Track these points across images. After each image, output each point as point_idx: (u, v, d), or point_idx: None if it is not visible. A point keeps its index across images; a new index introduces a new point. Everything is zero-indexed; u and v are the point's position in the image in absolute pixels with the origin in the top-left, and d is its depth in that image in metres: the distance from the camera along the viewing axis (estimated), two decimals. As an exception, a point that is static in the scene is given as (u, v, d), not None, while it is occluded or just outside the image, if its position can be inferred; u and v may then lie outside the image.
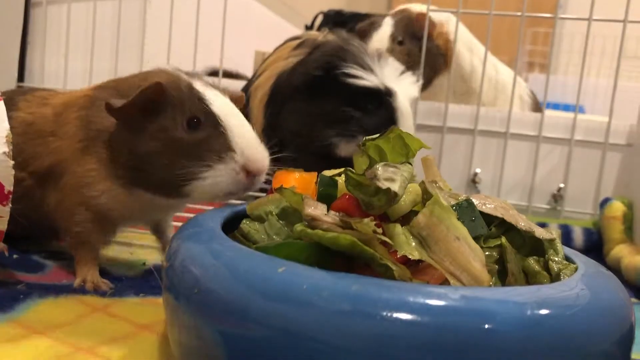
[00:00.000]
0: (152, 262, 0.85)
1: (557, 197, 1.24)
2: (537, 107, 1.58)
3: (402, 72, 0.96)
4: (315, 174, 0.61)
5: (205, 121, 0.67)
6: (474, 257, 0.47)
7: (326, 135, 0.91)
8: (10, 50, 1.34)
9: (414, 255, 0.48)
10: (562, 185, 1.24)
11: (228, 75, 1.58)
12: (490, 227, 0.56)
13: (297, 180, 0.61)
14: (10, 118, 0.77)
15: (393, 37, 1.46)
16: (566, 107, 2.35)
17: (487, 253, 0.52)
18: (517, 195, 1.28)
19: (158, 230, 0.84)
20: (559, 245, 0.56)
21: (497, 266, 0.52)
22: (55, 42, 1.39)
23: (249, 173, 0.67)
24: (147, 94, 0.66)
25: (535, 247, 0.57)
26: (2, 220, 0.63)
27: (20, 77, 1.43)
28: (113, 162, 0.70)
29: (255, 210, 0.58)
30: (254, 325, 0.42)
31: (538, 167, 1.24)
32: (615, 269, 1.00)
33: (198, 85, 0.70)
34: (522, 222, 0.57)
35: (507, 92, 1.41)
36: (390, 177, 0.52)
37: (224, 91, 0.74)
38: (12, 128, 0.75)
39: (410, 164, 0.57)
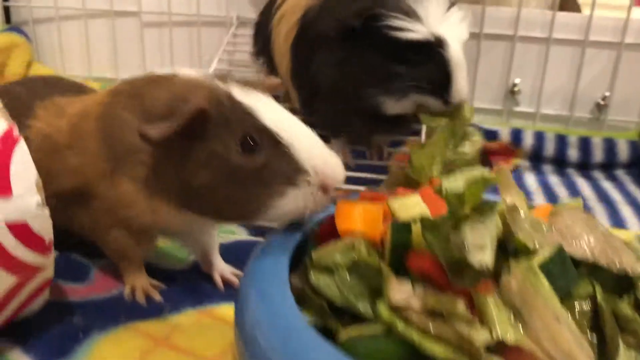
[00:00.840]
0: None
1: (601, 107, 1.17)
2: None
3: (448, 8, 0.83)
4: (380, 208, 0.55)
5: (261, 140, 0.58)
6: (578, 345, 0.44)
7: (371, 94, 0.81)
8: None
9: (511, 337, 0.44)
10: (607, 93, 1.16)
11: None
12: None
13: (362, 215, 0.55)
14: (28, 128, 0.70)
15: None
16: None
17: (578, 309, 0.49)
18: (557, 104, 1.21)
19: (198, 241, 0.77)
20: (650, 277, 0.53)
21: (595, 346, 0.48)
22: None
23: (327, 189, 0.58)
24: (189, 123, 0.56)
25: (621, 279, 0.53)
26: (48, 271, 0.59)
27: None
28: (155, 184, 0.62)
29: (322, 260, 0.53)
30: None
31: (582, 73, 1.16)
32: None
33: (239, 95, 0.60)
34: (616, 259, 0.52)
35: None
36: (480, 244, 0.47)
37: (258, 85, 0.65)
38: (29, 140, 0.68)
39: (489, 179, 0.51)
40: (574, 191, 1.05)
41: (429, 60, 0.79)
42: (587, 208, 0.99)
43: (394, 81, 0.80)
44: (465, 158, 0.78)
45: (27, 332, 0.63)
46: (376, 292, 0.50)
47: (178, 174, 0.60)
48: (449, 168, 0.76)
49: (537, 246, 0.50)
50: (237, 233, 0.87)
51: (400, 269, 0.51)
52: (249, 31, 1.19)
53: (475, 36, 1.17)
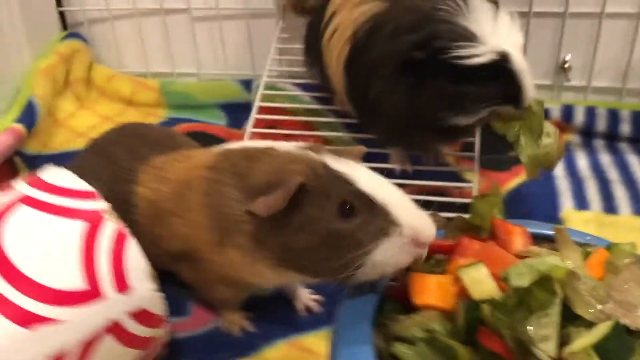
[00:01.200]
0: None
1: (654, 78, 1.17)
2: None
3: (495, 18, 0.83)
4: (452, 280, 0.62)
5: (358, 204, 0.63)
6: None
7: (443, 117, 0.85)
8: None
9: None
10: (661, 65, 1.15)
11: None
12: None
13: (436, 289, 0.62)
14: (134, 194, 0.77)
15: None
16: None
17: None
18: (609, 78, 1.21)
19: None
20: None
21: None
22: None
23: (420, 244, 0.63)
24: (290, 195, 0.62)
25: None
26: (165, 336, 0.69)
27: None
28: (259, 250, 0.68)
29: (403, 332, 0.61)
30: None
31: (635, 46, 1.15)
32: None
33: (333, 163, 0.65)
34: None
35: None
36: (544, 335, 0.54)
37: (347, 153, 0.69)
38: (136, 206, 0.76)
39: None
40: (625, 173, 1.08)
41: (497, 76, 0.81)
42: (637, 195, 1.03)
43: (466, 101, 0.83)
44: (551, 150, 0.85)
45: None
46: (452, 362, 0.59)
47: (280, 239, 0.66)
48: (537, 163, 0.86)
49: (595, 320, 0.57)
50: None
51: (474, 341, 0.59)
52: (298, 22, 1.21)
53: (524, 15, 1.16)
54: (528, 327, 0.54)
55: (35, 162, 1.17)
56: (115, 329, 0.62)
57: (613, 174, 1.08)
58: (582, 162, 1.12)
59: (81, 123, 1.30)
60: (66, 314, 0.58)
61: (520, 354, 0.55)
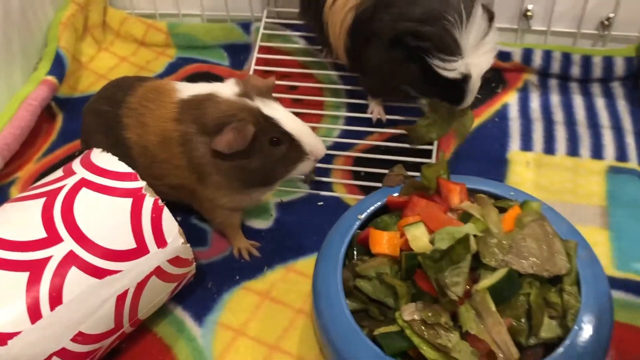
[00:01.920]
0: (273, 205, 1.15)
1: (605, 26, 1.32)
2: None
3: (484, 37, 1.01)
4: (399, 235, 0.86)
5: (283, 139, 0.93)
6: (508, 339, 0.77)
7: (407, 88, 1.08)
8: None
9: (473, 330, 0.77)
10: (612, 15, 1.30)
11: None
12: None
13: (387, 242, 0.86)
14: (127, 140, 0.98)
15: None
16: None
17: (519, 303, 0.80)
18: (566, 23, 1.36)
19: None
20: (573, 274, 0.83)
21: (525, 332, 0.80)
22: None
23: (317, 160, 0.98)
24: (248, 140, 0.90)
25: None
26: (192, 271, 0.95)
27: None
28: (227, 181, 0.96)
29: (364, 272, 0.86)
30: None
31: (589, -3, 1.29)
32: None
33: (265, 109, 0.92)
34: (552, 268, 0.81)
35: None
36: (456, 282, 0.78)
37: (267, 91, 0.95)
38: (130, 149, 0.98)
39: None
40: (569, 115, 1.27)
41: (454, 86, 1.03)
42: (573, 136, 1.23)
43: (425, 88, 1.06)
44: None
45: (184, 295, 1.01)
46: (396, 294, 0.83)
47: (239, 167, 0.94)
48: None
49: (498, 266, 0.81)
50: (301, 188, 1.18)
51: (412, 281, 0.83)
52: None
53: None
54: (445, 275, 0.78)
55: (67, 104, 1.38)
56: (158, 272, 0.87)
57: (559, 115, 1.27)
58: (535, 103, 1.30)
59: (102, 65, 1.48)
60: (124, 266, 0.83)
61: (441, 293, 0.79)
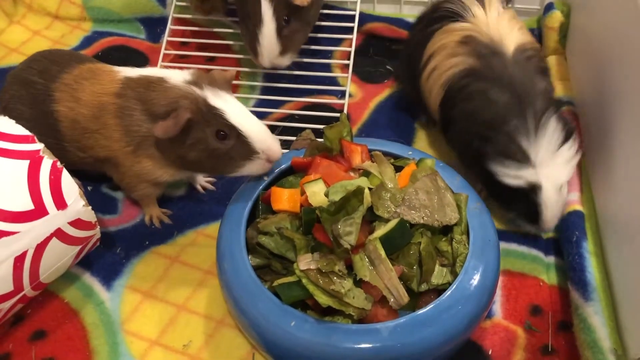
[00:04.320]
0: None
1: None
2: None
3: (562, 143, 0.95)
4: (299, 192, 0.88)
5: (229, 133, 0.90)
6: (399, 284, 0.81)
7: (476, 180, 1.04)
8: None
9: (366, 277, 0.81)
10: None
11: None
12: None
13: (288, 199, 0.88)
14: (55, 112, 0.98)
15: None
16: None
17: (412, 252, 0.85)
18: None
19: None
20: (463, 224, 0.88)
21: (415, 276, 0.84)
22: None
23: (271, 160, 0.93)
24: (180, 127, 0.88)
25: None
26: (97, 234, 0.95)
27: None
28: (164, 159, 0.96)
29: (265, 228, 0.88)
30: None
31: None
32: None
33: (211, 99, 0.90)
34: (442, 218, 0.86)
35: None
36: (348, 231, 0.81)
37: (224, 82, 0.94)
38: (59, 122, 0.98)
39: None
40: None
41: (524, 199, 0.97)
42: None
43: (493, 191, 1.03)
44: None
45: (92, 261, 1.01)
46: (296, 248, 0.86)
47: (177, 153, 0.94)
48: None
49: (391, 217, 0.85)
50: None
51: (311, 234, 0.86)
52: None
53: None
54: (338, 226, 0.81)
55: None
56: (59, 234, 0.87)
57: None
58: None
59: (14, 38, 1.44)
60: (22, 227, 0.82)
61: (335, 243, 0.82)
